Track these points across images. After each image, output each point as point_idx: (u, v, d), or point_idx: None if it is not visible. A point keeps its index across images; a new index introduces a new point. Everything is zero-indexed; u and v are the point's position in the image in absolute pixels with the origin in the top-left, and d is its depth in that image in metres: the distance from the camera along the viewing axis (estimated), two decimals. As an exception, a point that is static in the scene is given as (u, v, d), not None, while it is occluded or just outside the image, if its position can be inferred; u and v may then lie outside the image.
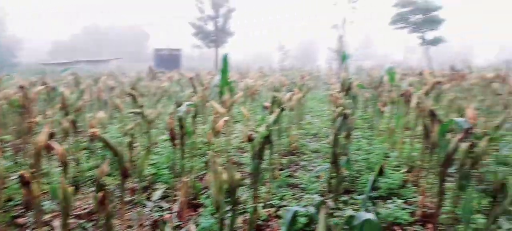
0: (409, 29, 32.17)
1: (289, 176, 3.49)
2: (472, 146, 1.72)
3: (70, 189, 1.49)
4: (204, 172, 3.51)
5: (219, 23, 34.07)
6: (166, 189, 3.10)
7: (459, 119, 1.86)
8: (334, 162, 2.33)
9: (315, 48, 76.49)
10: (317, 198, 2.79)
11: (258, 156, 2.19)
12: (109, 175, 2.89)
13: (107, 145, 1.92)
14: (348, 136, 2.80)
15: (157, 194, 2.99)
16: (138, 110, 3.19)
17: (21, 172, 1.42)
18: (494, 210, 1.56)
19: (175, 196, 2.89)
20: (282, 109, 2.64)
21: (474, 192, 1.76)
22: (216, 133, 3.21)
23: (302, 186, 3.20)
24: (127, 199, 2.85)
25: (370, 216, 1.25)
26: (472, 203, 1.71)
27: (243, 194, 2.84)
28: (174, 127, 2.49)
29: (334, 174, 2.47)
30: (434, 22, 30.93)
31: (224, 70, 3.22)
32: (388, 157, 3.88)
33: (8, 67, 33.09)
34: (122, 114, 4.35)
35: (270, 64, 23.14)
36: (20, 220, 2.57)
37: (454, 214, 1.90)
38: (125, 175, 2.02)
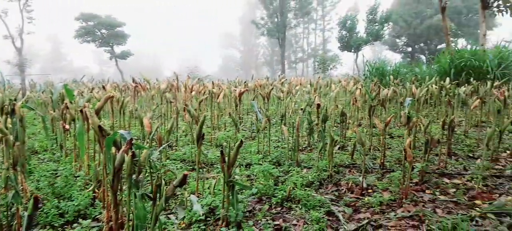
0: (97, 43, 32.72)
1: None
2: (134, 155, 1.88)
3: None
4: None
5: None
6: None
7: (123, 131, 1.98)
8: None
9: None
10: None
11: None
12: None
13: None
14: (14, 166, 2.43)
15: None
16: None
17: None
18: (154, 210, 1.77)
19: None
20: None
21: (143, 197, 1.92)
22: None
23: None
24: None
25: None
26: (144, 209, 1.86)
27: None
28: None
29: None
30: (119, 37, 32.97)
31: None
32: (78, 176, 3.69)
33: None
34: None
35: None
36: None
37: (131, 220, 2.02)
38: None
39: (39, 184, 3.43)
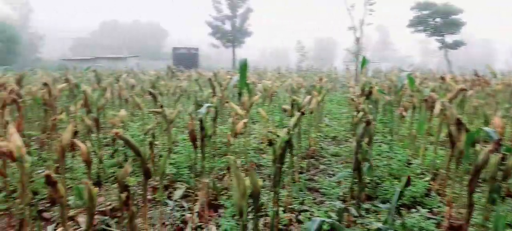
0: (428, 33, 31.88)
1: (309, 179, 3.47)
2: (503, 158, 1.66)
3: (95, 190, 1.51)
4: (224, 172, 3.51)
5: (236, 23, 34.30)
6: (186, 189, 3.11)
7: (489, 129, 1.79)
8: (357, 169, 2.29)
9: (332, 49, 76.09)
10: (338, 204, 2.75)
11: (279, 160, 2.17)
12: (131, 173, 2.92)
13: (129, 146, 1.93)
14: (369, 142, 2.76)
15: (177, 194, 3.00)
16: (158, 110, 3.22)
17: (47, 172, 1.44)
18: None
19: (196, 196, 2.90)
20: (303, 113, 2.61)
21: (506, 205, 1.69)
22: (235, 134, 3.21)
23: (322, 190, 3.17)
24: (149, 197, 2.87)
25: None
26: (504, 218, 1.64)
27: (263, 196, 2.83)
28: (195, 128, 2.49)
29: (356, 181, 2.43)
30: (454, 26, 30.60)
31: (243, 73, 3.21)
32: (411, 163, 3.80)
33: (31, 62, 34.20)
34: (143, 112, 4.40)
35: (287, 64, 23.06)
36: (46, 215, 2.62)
37: (484, 227, 1.84)
38: (147, 175, 2.03)
39: (377, 162, 3.78)
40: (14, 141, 1.82)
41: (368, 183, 3.10)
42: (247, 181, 1.50)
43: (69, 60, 31.98)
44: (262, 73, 12.18)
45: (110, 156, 3.50)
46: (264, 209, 2.67)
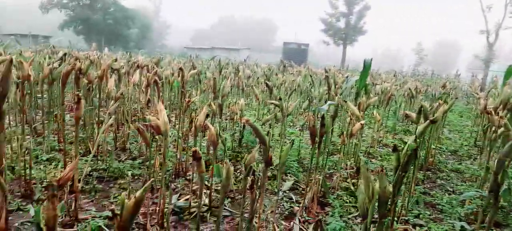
0: None
1: (424, 193, 3.23)
2: None
3: (232, 169, 1.65)
4: (331, 171, 3.49)
5: (352, 20, 33.21)
6: (295, 182, 3.18)
7: None
8: (495, 190, 2.04)
9: (454, 53, 68.44)
10: (460, 225, 2.51)
11: (403, 168, 2.07)
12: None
13: (256, 133, 2.05)
14: (508, 163, 2.43)
15: (286, 185, 3.10)
16: (277, 102, 3.34)
17: (194, 148, 1.62)
18: None
19: (303, 190, 2.95)
20: (433, 122, 2.43)
21: None
22: (351, 135, 3.15)
23: (439, 207, 2.92)
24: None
25: None
26: None
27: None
28: (315, 124, 2.52)
29: (490, 204, 2.17)
30: None
31: (365, 74, 3.13)
32: (554, 194, 3.24)
33: (158, 48, 38.71)
34: (259, 102, 4.62)
35: (401, 65, 21.54)
36: (171, 185, 2.97)
37: None
38: (268, 164, 2.13)
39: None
40: (162, 117, 2.10)
41: (500, 208, 2.75)
42: (376, 185, 1.48)
43: (190, 48, 35.18)
44: (375, 74, 11.64)
45: (238, 142, 3.76)
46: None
